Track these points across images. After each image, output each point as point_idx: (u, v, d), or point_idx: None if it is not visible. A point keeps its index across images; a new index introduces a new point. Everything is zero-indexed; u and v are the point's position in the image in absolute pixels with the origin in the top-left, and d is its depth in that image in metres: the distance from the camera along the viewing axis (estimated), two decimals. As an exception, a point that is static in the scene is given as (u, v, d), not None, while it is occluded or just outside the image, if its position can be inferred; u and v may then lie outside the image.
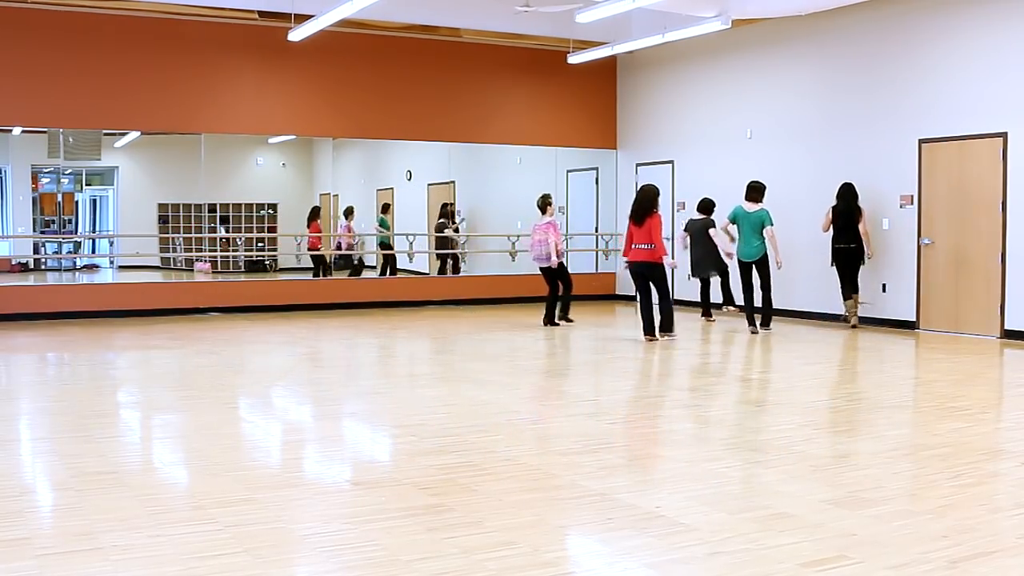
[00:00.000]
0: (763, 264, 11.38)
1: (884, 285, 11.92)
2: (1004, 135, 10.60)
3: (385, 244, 17.16)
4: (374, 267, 17.07)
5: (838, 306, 12.16)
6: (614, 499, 4.48)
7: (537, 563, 3.64)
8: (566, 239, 16.19)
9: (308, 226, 16.20)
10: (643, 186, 10.81)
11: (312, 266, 16.12)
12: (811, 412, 6.93)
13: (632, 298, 15.98)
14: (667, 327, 10.57)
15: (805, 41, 12.90)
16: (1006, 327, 10.65)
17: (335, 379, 8.77)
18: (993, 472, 5.17)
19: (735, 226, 11.55)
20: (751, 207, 11.43)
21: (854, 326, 11.68)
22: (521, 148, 16.09)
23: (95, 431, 6.12)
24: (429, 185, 18.15)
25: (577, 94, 15.81)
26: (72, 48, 12.82)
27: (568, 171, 16.80)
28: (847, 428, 6.27)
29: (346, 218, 16.45)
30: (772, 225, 11.29)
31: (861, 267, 11.64)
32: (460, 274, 16.67)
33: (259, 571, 3.56)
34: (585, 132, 16.03)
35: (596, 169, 16.57)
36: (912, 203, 11.57)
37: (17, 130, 15.38)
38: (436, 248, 17.00)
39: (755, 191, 11.53)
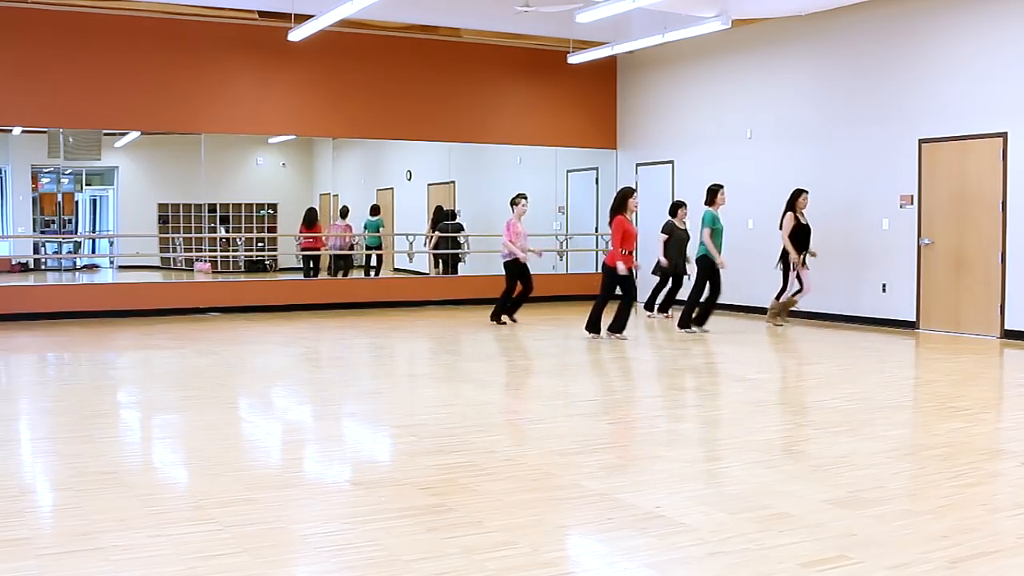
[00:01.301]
0: (699, 263, 11.40)
1: (884, 285, 11.92)
2: (1004, 135, 10.60)
3: (373, 246, 17.17)
4: (371, 266, 17.08)
5: (836, 306, 12.22)
6: (614, 499, 4.48)
7: (537, 563, 3.64)
8: (566, 239, 16.19)
9: (311, 227, 16.08)
10: None
11: (313, 267, 16.09)
12: (811, 412, 6.93)
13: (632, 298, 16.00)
14: (588, 325, 10.75)
15: (805, 41, 12.90)
16: (1006, 327, 10.65)
17: (335, 379, 8.77)
18: (993, 472, 5.17)
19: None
20: (703, 210, 11.60)
21: (776, 324, 11.79)
22: (521, 148, 16.09)
23: (95, 431, 6.12)
24: (429, 185, 18.15)
25: (577, 94, 15.81)
26: (72, 48, 12.82)
27: (568, 171, 16.80)
28: (847, 428, 6.26)
29: (343, 217, 16.44)
30: (706, 227, 11.31)
31: (799, 270, 11.53)
32: (459, 274, 16.65)
33: (259, 571, 3.56)
34: (585, 132, 16.03)
35: (596, 169, 16.57)
36: (912, 203, 11.57)
37: (17, 130, 15.39)
38: (439, 248, 16.88)
39: (706, 193, 11.64)
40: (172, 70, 13.35)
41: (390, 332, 11.91)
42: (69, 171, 17.41)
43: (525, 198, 12.24)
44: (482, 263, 16.38)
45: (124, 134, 16.37)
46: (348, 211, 16.52)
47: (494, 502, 4.47)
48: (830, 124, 12.58)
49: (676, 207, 12.62)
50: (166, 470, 5.34)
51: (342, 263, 16.44)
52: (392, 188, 18.88)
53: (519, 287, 12.27)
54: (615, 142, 16.26)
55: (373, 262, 17.15)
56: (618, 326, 10.65)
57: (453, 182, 17.69)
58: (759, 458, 5.33)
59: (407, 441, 5.87)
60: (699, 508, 4.33)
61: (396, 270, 18.27)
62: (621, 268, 10.40)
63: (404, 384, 8.54)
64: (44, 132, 14.58)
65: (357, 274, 16.80)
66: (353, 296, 14.60)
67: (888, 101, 11.81)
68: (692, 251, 12.20)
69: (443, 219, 16.72)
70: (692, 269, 12.23)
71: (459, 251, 16.59)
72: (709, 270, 11.29)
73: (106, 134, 16.24)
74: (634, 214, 10.64)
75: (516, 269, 12.13)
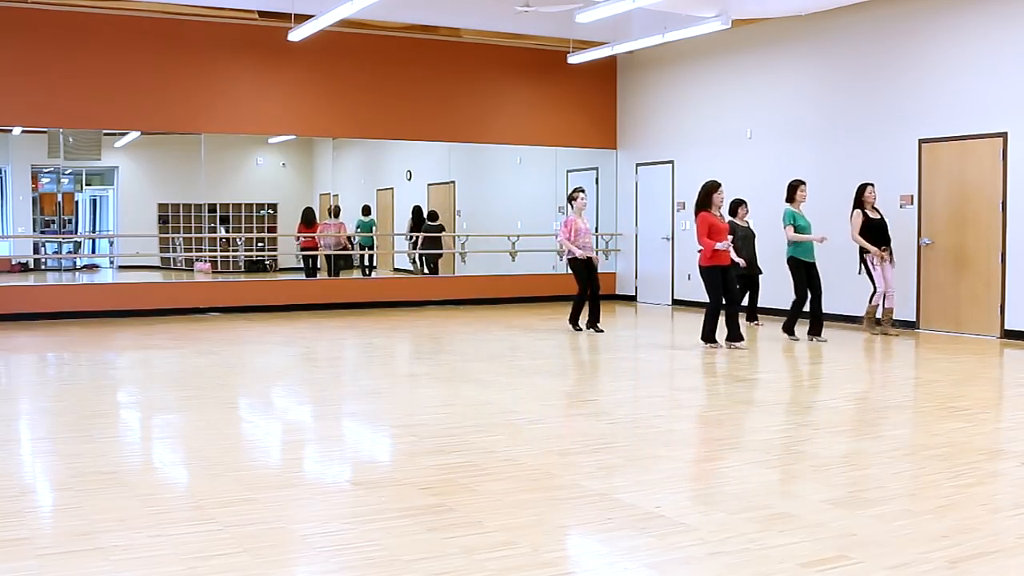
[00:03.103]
0: (789, 264, 10.70)
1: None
2: (1004, 135, 10.60)
3: (365, 245, 17.20)
4: (371, 266, 17.10)
5: (836, 306, 12.17)
6: (614, 499, 4.48)
7: (537, 563, 3.64)
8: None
9: (310, 227, 16.07)
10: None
11: (320, 266, 16.15)
12: (811, 412, 6.93)
13: (632, 298, 15.99)
14: (703, 334, 9.97)
15: (805, 41, 12.90)
16: (1006, 327, 10.65)
17: (335, 379, 8.77)
18: (993, 472, 5.17)
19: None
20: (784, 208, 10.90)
21: (888, 334, 11.06)
22: (521, 148, 16.09)
23: (95, 431, 6.12)
24: (429, 185, 18.15)
25: (577, 94, 15.81)
26: (72, 48, 12.82)
27: (568, 171, 16.79)
28: (847, 428, 6.26)
29: (335, 216, 16.42)
30: (788, 224, 10.65)
31: (867, 271, 11.07)
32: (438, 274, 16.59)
33: (259, 571, 3.56)
34: (585, 132, 16.03)
35: (596, 169, 16.57)
36: (912, 203, 11.57)
37: (17, 130, 15.39)
38: (424, 248, 16.83)
39: (786, 190, 10.88)
40: (172, 70, 13.35)
41: (390, 332, 11.91)
42: (69, 171, 17.41)
43: (583, 192, 11.58)
44: (482, 263, 16.39)
45: (124, 134, 16.37)
46: (339, 210, 16.53)
47: (494, 502, 4.46)
48: (830, 124, 12.58)
49: (736, 205, 11.86)
50: (166, 470, 5.34)
51: (341, 262, 16.44)
52: (392, 188, 18.88)
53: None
54: (615, 142, 16.26)
55: (367, 261, 17.19)
56: (734, 334, 9.90)
57: (453, 182, 17.70)
58: (759, 458, 5.33)
59: (407, 441, 5.87)
60: (699, 508, 4.33)
61: (396, 270, 18.29)
62: (725, 246, 9.52)
63: (404, 384, 8.54)
64: (44, 132, 14.58)
65: (354, 274, 16.79)
66: (353, 296, 14.60)
67: (888, 101, 11.81)
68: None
69: (422, 221, 16.76)
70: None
71: (442, 251, 16.59)
72: (803, 271, 10.55)
73: (106, 134, 16.24)
74: (720, 209, 9.83)
75: (583, 267, 11.36)
